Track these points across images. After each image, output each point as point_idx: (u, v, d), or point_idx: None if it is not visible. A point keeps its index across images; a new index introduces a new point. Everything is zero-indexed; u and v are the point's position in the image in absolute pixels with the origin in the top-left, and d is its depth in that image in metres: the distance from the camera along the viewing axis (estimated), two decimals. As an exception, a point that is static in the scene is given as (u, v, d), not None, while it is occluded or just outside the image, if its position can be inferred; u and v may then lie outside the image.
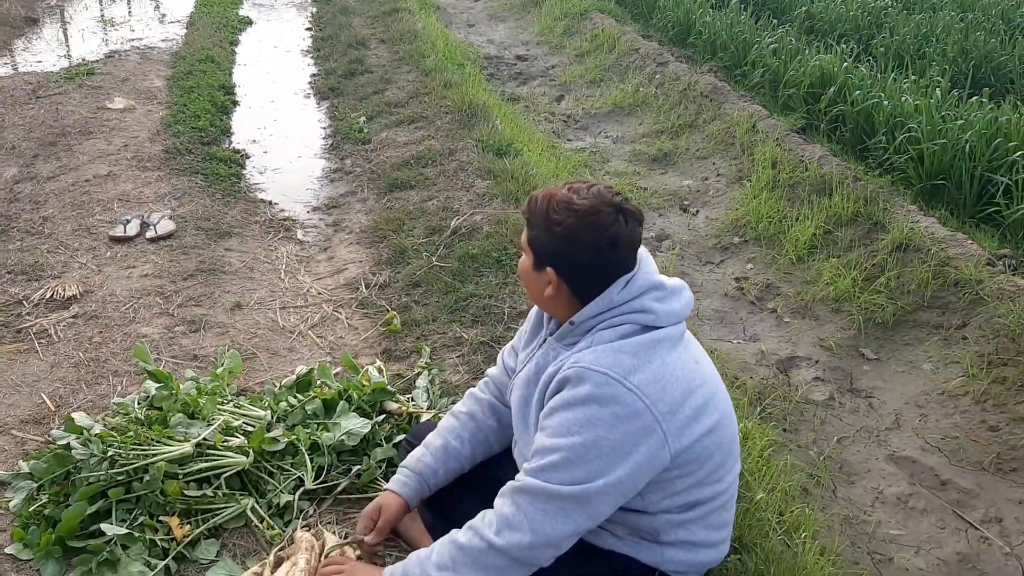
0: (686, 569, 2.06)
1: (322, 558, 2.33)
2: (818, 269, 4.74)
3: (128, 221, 4.60)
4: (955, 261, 4.33)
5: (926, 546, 3.14)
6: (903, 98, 5.75)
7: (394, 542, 2.47)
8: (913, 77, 6.44)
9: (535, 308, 2.26)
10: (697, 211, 5.75)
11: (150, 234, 4.52)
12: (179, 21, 9.77)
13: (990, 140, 5.02)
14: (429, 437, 2.36)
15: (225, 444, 2.69)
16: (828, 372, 4.08)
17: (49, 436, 2.92)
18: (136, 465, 2.57)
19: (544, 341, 2.10)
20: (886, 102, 5.74)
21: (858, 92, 6.00)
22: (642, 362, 1.86)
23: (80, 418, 2.85)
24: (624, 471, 1.83)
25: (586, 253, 1.92)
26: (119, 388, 3.29)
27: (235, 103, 7.04)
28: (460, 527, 2.02)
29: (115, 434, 2.69)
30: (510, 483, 1.93)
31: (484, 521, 1.94)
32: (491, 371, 2.44)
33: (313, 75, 7.95)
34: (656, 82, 7.77)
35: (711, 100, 7.07)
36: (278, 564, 2.36)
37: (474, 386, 2.50)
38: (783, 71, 7.01)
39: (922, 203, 5.09)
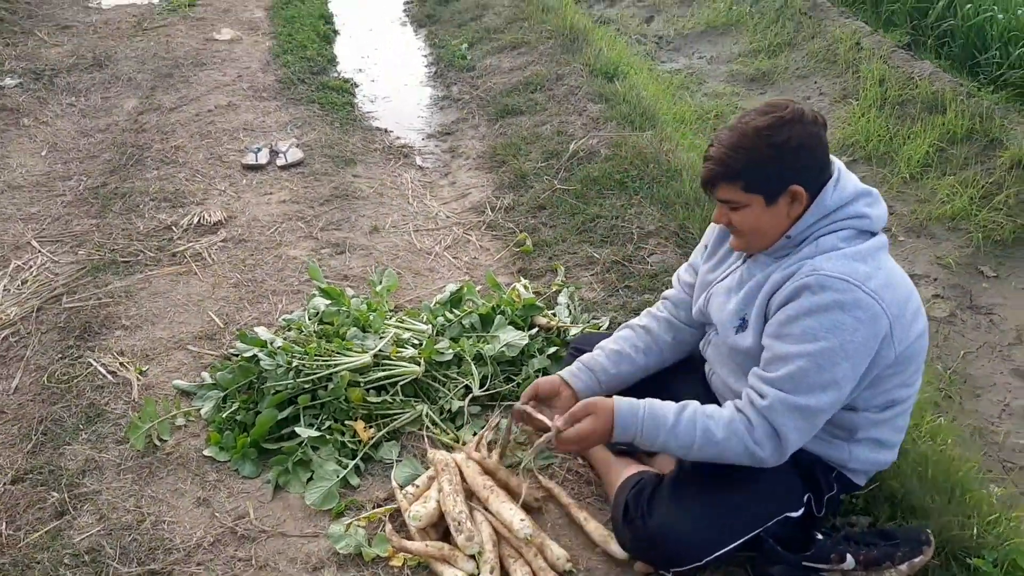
0: (865, 468, 2.21)
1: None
2: (932, 187, 4.73)
3: (259, 149, 4.80)
4: (1078, 178, 4.31)
5: (1056, 455, 3.24)
6: (1018, 11, 5.61)
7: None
8: (1025, -11, 6.26)
9: (714, 226, 2.36)
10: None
11: (280, 162, 4.72)
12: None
13: (1113, 53, 4.91)
14: (605, 342, 2.51)
15: (399, 355, 2.89)
16: (947, 290, 4.12)
17: (233, 348, 3.16)
18: (321, 374, 2.79)
19: (746, 256, 2.20)
20: (1000, 16, 5.60)
21: (969, 6, 5.87)
22: (873, 268, 1.95)
23: (262, 332, 3.08)
24: (862, 372, 1.96)
25: (818, 147, 1.99)
26: (279, 306, 3.51)
27: (336, 32, 7.17)
28: None
29: (296, 346, 2.91)
30: (755, 397, 2.01)
31: (743, 424, 2.01)
32: (668, 292, 2.56)
33: (407, 2, 8.01)
34: (750, 0, 7.65)
35: (810, 17, 6.96)
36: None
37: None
38: (885, -14, 6.86)
39: (1040, 119, 5.02)
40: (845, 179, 2.05)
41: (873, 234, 2.04)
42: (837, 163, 2.08)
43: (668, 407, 2.12)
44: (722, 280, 2.26)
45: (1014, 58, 5.33)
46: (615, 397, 2.16)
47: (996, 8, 5.72)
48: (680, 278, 2.52)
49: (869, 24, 6.68)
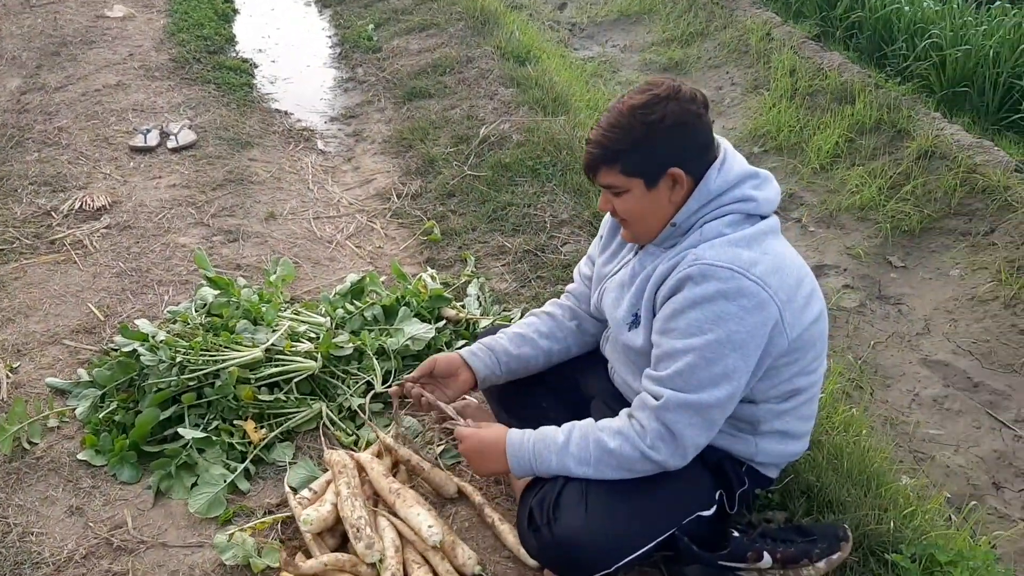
0: (774, 461, 2.12)
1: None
2: (842, 178, 4.75)
3: (148, 131, 4.51)
4: (981, 168, 4.35)
5: (964, 444, 3.24)
6: (924, 3, 5.69)
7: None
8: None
9: (610, 216, 2.25)
10: (713, 121, 5.70)
11: (171, 144, 4.43)
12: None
13: (1014, 46, 5.00)
14: (508, 327, 2.40)
15: (294, 349, 2.69)
16: (857, 280, 4.13)
17: (113, 343, 2.91)
18: (207, 371, 2.58)
19: (638, 248, 2.09)
20: (906, 8, 5.68)
21: (876, -2, 5.94)
22: (758, 254, 1.86)
23: (143, 325, 2.84)
24: (755, 362, 1.86)
25: (697, 126, 1.88)
26: (166, 297, 3.27)
27: (235, 11, 6.87)
28: (533, 427, 2.06)
29: (181, 340, 2.68)
30: (649, 399, 1.91)
31: (633, 429, 1.92)
32: (570, 286, 2.45)
33: (311, -18, 7.73)
34: (663, -12, 7.62)
35: (722, 7, 6.97)
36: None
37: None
38: (795, -24, 6.91)
39: (945, 110, 5.09)
40: (730, 161, 1.95)
41: (763, 217, 1.95)
42: (724, 144, 1.96)
43: (557, 429, 2.03)
44: (615, 274, 2.15)
45: (920, 50, 5.40)
46: (508, 432, 2.08)
47: (902, 0, 5.79)
48: (580, 271, 2.40)
49: (779, 15, 6.72)
